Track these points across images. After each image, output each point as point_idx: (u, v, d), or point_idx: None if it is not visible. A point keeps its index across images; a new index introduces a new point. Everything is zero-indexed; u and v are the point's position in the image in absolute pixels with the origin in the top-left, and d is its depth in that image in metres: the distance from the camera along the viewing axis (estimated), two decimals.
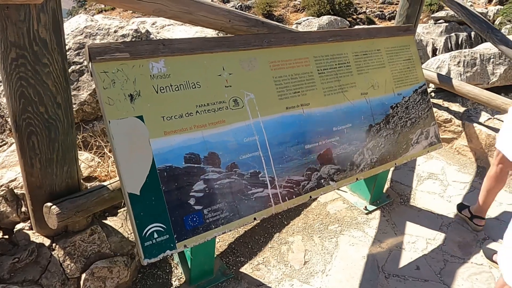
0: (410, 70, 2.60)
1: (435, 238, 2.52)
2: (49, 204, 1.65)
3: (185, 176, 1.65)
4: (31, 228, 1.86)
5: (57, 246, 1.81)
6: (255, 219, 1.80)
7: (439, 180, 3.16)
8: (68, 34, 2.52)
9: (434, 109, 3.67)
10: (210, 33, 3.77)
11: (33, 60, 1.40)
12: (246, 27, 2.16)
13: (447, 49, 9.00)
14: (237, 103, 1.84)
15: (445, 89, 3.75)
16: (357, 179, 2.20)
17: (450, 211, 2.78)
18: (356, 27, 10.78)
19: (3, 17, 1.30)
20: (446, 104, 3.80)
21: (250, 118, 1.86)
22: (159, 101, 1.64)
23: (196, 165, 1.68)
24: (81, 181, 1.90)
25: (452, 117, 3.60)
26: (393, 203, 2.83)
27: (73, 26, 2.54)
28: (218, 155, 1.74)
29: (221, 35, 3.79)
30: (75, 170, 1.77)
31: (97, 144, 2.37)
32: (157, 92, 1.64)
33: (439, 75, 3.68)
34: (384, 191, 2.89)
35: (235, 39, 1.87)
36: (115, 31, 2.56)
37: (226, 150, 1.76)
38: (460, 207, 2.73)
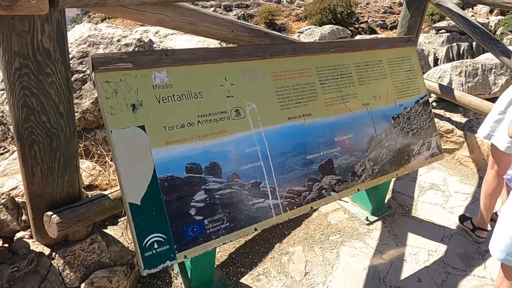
0: (412, 81, 2.61)
1: (437, 249, 2.50)
2: (49, 213, 1.65)
3: (186, 186, 1.65)
4: (31, 237, 1.86)
5: (56, 255, 1.80)
6: (256, 229, 1.79)
7: (441, 191, 3.15)
8: (71, 43, 2.54)
9: (436, 120, 3.67)
10: (212, 42, 3.80)
11: (36, 70, 1.41)
12: (249, 38, 2.18)
13: (448, 59, 9.03)
14: (239, 113, 1.84)
15: (446, 100, 3.75)
16: (358, 190, 2.19)
17: (452, 222, 2.77)
18: (358, 36, 10.84)
19: (8, 27, 1.32)
20: (447, 114, 3.80)
21: (251, 128, 1.86)
22: (161, 111, 1.64)
23: (197, 175, 1.68)
24: (82, 190, 1.90)
25: (454, 127, 3.60)
26: (394, 213, 2.82)
27: (77, 35, 2.56)
28: (219, 165, 1.74)
29: (223, 44, 3.81)
30: (76, 179, 1.76)
31: (98, 152, 2.38)
32: (159, 102, 1.65)
33: (440, 85, 3.68)
34: (385, 201, 2.88)
35: (237, 49, 1.88)
36: (118, 40, 2.58)
37: (227, 160, 1.76)
38: (462, 218, 2.72)
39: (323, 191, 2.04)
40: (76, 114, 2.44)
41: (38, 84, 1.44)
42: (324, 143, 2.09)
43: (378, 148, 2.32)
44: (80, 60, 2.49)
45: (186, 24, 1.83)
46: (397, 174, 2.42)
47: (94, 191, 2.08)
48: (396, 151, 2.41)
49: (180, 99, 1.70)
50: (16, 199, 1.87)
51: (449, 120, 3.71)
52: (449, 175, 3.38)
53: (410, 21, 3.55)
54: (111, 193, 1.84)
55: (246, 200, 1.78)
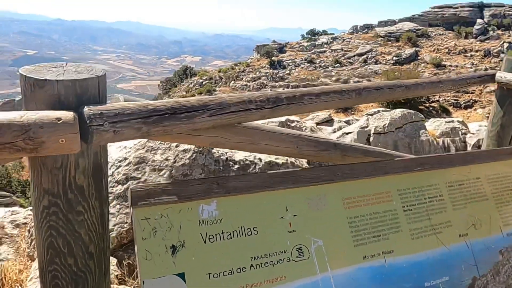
0: None
1: None
2: None
3: None
4: None
5: None
6: None
7: None
8: (130, 148, 2.46)
9: None
10: None
11: (66, 209, 1.22)
12: (316, 152, 1.89)
13: None
14: (302, 252, 1.49)
15: None
16: None
17: None
18: (431, 120, 10.23)
19: (39, 164, 1.16)
20: None
21: (317, 273, 1.48)
22: (207, 252, 1.35)
23: None
24: None
25: None
26: None
27: (136, 140, 2.49)
28: None
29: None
30: None
31: None
32: (205, 242, 1.36)
33: None
34: None
35: (302, 173, 1.60)
36: (177, 146, 2.46)
37: None
38: None
39: None
40: (125, 226, 2.26)
41: (66, 223, 1.24)
42: None
43: None
44: (136, 167, 2.38)
45: (245, 144, 1.60)
46: None
47: None
48: None
49: (231, 237, 1.40)
50: None
51: None
52: None
53: (503, 119, 3.09)
54: None
55: None
